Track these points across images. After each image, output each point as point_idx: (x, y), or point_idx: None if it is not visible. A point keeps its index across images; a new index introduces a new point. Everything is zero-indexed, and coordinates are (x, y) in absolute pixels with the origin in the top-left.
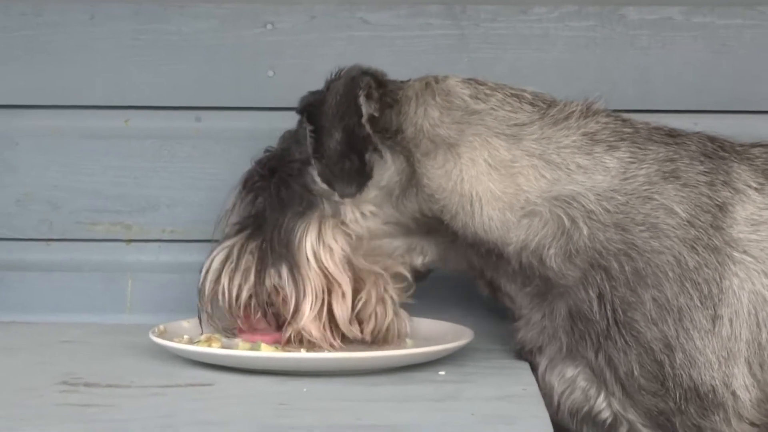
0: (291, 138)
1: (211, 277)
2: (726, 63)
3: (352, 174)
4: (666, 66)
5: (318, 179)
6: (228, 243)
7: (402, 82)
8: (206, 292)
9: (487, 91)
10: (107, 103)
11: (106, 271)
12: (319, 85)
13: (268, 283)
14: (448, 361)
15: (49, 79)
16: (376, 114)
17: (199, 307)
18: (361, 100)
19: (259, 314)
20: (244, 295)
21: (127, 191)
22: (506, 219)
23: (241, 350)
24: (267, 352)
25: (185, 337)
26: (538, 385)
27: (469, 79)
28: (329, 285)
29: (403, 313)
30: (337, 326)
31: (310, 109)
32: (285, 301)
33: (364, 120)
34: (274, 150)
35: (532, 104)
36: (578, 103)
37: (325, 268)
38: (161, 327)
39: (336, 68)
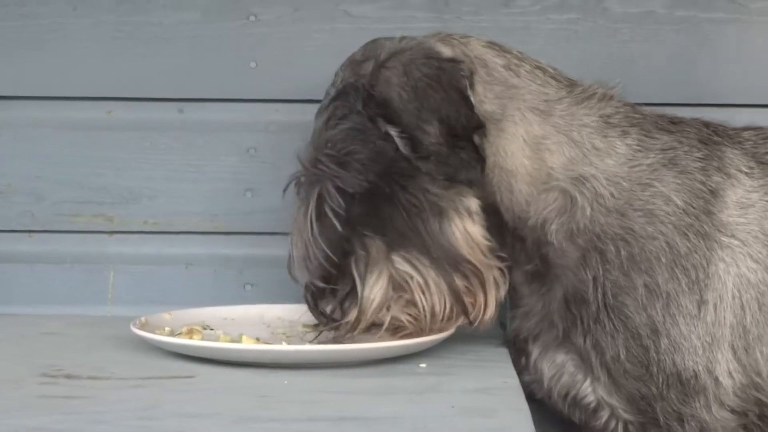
0: (363, 137)
1: (378, 302)
2: (708, 56)
3: (472, 160)
4: (648, 59)
5: (437, 178)
6: (377, 256)
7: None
8: (369, 314)
9: (516, 62)
10: (90, 95)
11: (87, 263)
12: (301, 76)
13: (460, 284)
14: (429, 354)
15: (31, 70)
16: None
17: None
18: (468, 91)
19: (462, 318)
20: (449, 303)
21: (109, 183)
22: (531, 193)
23: (222, 342)
24: (248, 344)
25: (166, 329)
26: (528, 371)
27: (491, 43)
28: (493, 275)
29: None
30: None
31: (378, 109)
32: (476, 296)
33: (477, 108)
34: (355, 153)
35: (554, 78)
36: (597, 85)
37: (482, 262)
38: (143, 319)
39: (385, 52)
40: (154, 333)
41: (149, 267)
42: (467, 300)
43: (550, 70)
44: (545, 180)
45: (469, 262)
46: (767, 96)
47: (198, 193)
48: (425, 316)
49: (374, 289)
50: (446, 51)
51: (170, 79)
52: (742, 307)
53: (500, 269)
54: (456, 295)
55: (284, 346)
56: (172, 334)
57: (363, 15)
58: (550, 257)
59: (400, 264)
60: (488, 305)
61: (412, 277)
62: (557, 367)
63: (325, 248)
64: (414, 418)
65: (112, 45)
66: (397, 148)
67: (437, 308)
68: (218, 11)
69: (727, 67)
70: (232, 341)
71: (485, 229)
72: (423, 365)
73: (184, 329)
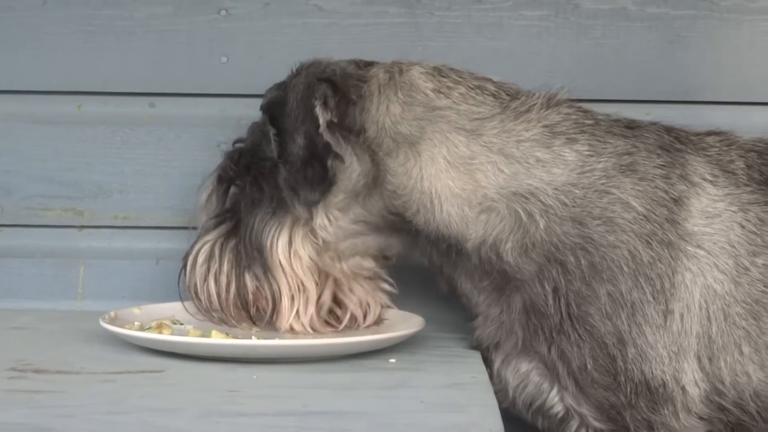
0: (259, 132)
1: (198, 275)
2: (679, 53)
3: (315, 181)
4: (619, 56)
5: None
6: (209, 238)
7: (367, 67)
8: (198, 288)
9: (450, 84)
10: (60, 89)
11: (58, 257)
12: (272, 72)
13: (249, 284)
14: (399, 349)
15: (1, 65)
16: (335, 120)
17: (193, 299)
18: (318, 110)
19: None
20: (232, 294)
21: (80, 177)
22: (465, 215)
23: (191, 337)
24: (217, 339)
25: (136, 323)
26: (493, 380)
27: (435, 69)
28: (299, 288)
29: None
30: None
31: (273, 109)
32: (266, 300)
33: (321, 129)
34: (245, 143)
35: (494, 96)
36: (540, 94)
37: (294, 273)
38: (112, 313)
39: (297, 63)
40: (124, 328)
41: (119, 261)
42: (257, 299)
43: (491, 88)
44: (480, 201)
45: (271, 269)
46: (738, 93)
47: (169, 188)
48: (219, 303)
49: (195, 258)
50: (382, 77)
51: (141, 73)
52: (709, 318)
53: (314, 288)
54: (242, 291)
55: (253, 341)
56: (141, 328)
57: (334, 10)
58: (507, 272)
59: (222, 248)
60: (278, 311)
61: (215, 261)
62: (522, 376)
63: None
64: (382, 413)
65: (82, 39)
66: (270, 149)
67: (224, 294)
68: (189, 5)
69: (698, 64)
70: (202, 336)
71: (317, 248)
72: (392, 360)
73: (154, 324)
